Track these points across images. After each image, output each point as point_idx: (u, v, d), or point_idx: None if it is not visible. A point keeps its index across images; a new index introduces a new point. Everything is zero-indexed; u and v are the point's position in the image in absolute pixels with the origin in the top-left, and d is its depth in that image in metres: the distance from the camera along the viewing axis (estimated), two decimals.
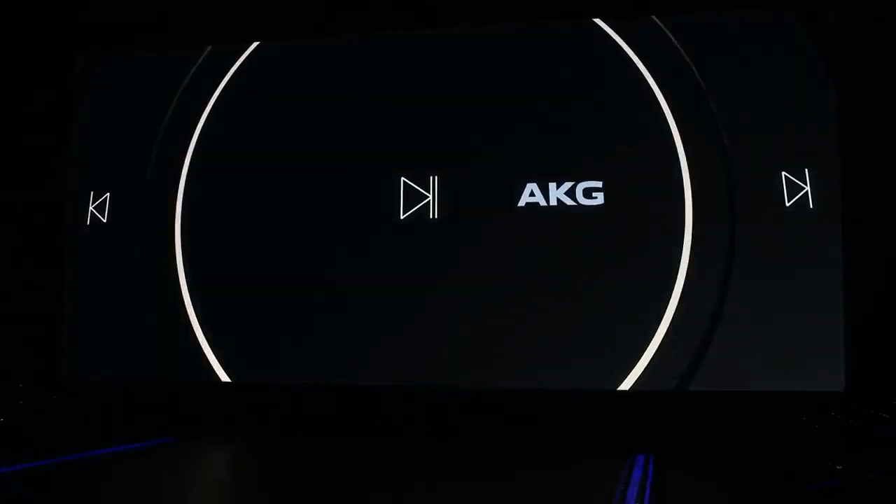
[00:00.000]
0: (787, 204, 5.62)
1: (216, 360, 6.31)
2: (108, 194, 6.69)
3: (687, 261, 5.70)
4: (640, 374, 5.66)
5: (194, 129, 6.62)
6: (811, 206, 5.58)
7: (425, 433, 5.95)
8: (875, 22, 5.56)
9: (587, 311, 5.81)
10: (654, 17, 6.04)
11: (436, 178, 6.19)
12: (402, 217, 6.19)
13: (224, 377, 6.29)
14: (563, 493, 4.31)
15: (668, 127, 5.87)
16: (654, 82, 5.95)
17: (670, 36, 5.99)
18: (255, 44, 6.65)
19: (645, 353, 5.67)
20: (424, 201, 6.18)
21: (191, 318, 6.40)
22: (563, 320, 5.83)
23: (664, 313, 5.68)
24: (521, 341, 5.87)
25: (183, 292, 6.44)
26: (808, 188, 5.60)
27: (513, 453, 5.43)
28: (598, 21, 6.13)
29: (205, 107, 6.62)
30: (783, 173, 5.65)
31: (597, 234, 5.88)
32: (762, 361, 5.49)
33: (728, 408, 5.51)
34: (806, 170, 5.62)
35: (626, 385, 5.68)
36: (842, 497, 3.93)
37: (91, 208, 6.70)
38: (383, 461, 5.22)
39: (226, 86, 6.63)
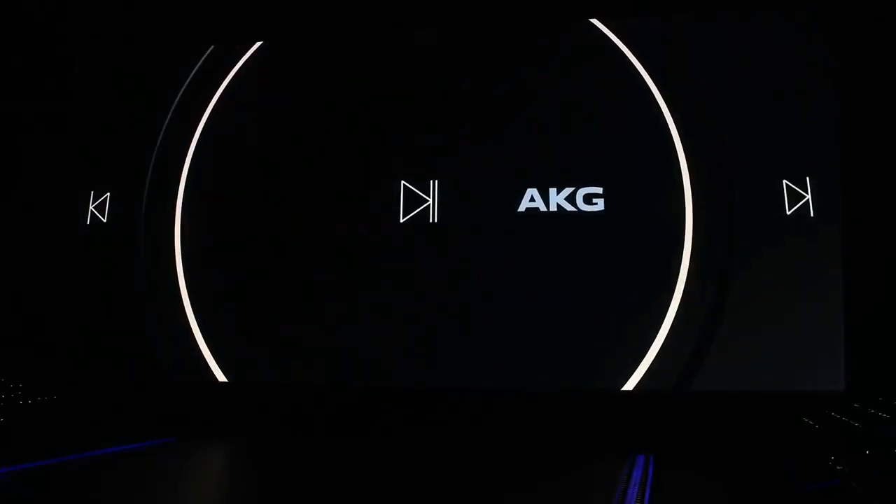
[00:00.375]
0: (789, 212, 5.62)
1: (216, 361, 6.31)
2: (108, 194, 6.70)
3: (687, 264, 5.70)
4: (640, 374, 5.67)
5: (194, 129, 6.62)
6: (811, 211, 5.59)
7: (425, 433, 5.95)
8: (875, 22, 5.56)
9: (588, 314, 5.82)
10: (653, 18, 6.04)
11: (435, 182, 6.19)
12: (401, 221, 6.19)
13: (224, 377, 6.29)
14: (564, 493, 4.31)
15: (669, 132, 5.87)
16: (654, 86, 5.95)
17: (670, 38, 5.99)
18: (258, 43, 6.66)
19: (646, 355, 5.67)
20: (424, 205, 6.17)
21: (190, 318, 6.39)
22: (564, 323, 5.83)
23: (665, 315, 5.68)
24: (522, 343, 5.88)
25: (182, 293, 6.44)
26: (808, 196, 5.61)
27: (514, 453, 5.43)
28: (597, 23, 6.13)
29: (205, 107, 6.63)
30: (784, 181, 5.65)
31: (597, 239, 5.88)
32: (762, 361, 5.50)
33: (728, 408, 5.51)
34: (807, 178, 5.63)
35: (627, 386, 5.68)
36: (842, 497, 3.93)
37: (91, 208, 6.70)
38: (383, 461, 5.22)
39: (226, 86, 6.63)
